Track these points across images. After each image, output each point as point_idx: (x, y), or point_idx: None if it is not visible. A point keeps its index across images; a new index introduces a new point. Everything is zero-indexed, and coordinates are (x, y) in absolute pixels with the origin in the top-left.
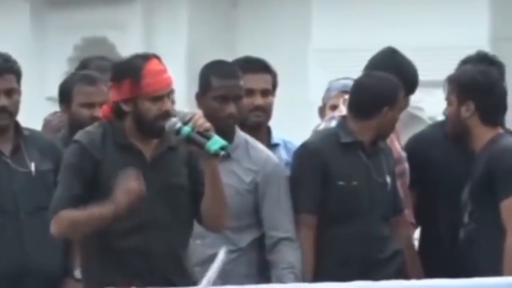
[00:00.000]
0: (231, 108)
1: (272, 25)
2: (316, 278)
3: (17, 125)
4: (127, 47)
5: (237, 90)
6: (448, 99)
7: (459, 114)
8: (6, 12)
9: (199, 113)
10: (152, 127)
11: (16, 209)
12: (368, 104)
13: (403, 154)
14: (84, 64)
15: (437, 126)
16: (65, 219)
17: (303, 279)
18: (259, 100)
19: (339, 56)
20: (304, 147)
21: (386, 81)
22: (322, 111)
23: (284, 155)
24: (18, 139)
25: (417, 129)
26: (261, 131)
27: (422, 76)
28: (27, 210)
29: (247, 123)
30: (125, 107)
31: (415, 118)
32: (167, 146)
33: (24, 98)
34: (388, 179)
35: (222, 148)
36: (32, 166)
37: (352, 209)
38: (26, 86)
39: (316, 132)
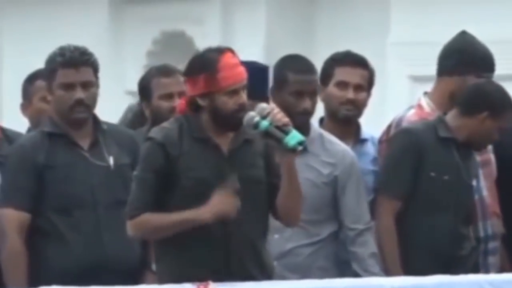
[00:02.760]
0: (307, 104)
1: (350, 19)
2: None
3: (95, 118)
4: (205, 41)
5: (313, 85)
6: None
7: None
8: (85, 6)
9: (276, 107)
10: (229, 121)
11: (95, 203)
12: (472, 100)
13: (489, 146)
14: None
15: None
16: (146, 225)
17: (390, 265)
18: (351, 94)
19: (418, 49)
20: (405, 133)
21: (499, 90)
22: None
23: (372, 151)
24: (97, 133)
25: None
26: (351, 125)
27: (499, 69)
28: (106, 204)
29: (338, 116)
30: (202, 102)
31: None
32: (243, 139)
33: (103, 92)
34: (474, 183)
35: (300, 143)
36: (111, 160)
37: (439, 203)
38: (105, 80)
39: (412, 122)
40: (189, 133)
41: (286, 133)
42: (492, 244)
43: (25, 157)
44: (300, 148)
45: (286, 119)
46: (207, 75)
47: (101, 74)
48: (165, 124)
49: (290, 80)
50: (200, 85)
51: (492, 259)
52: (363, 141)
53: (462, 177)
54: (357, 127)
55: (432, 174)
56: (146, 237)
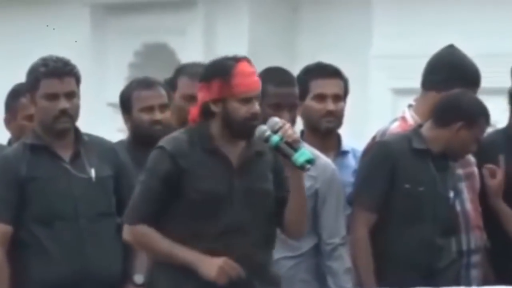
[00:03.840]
0: (285, 116)
1: (332, 30)
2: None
3: (76, 130)
4: (187, 52)
5: (292, 98)
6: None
7: None
8: (67, 18)
9: (288, 123)
10: (241, 128)
11: (76, 215)
12: (446, 112)
13: (472, 159)
14: (178, 71)
15: (499, 132)
16: (142, 238)
17: (364, 279)
18: (330, 106)
19: (400, 62)
20: (379, 145)
21: (473, 101)
22: None
23: (353, 163)
24: (78, 145)
25: None
26: (332, 138)
27: (482, 83)
28: (87, 216)
29: (320, 129)
30: (214, 108)
31: None
32: (254, 151)
33: (84, 104)
34: (451, 194)
35: (308, 161)
36: (92, 172)
37: (414, 214)
38: (87, 91)
39: (391, 134)
40: (200, 145)
41: (296, 150)
42: (475, 257)
43: (8, 168)
44: (308, 166)
45: (296, 136)
46: (221, 79)
47: (83, 85)
48: (175, 134)
49: (270, 92)
50: (214, 90)
51: (475, 272)
52: (344, 153)
53: (438, 189)
54: (338, 140)
55: (407, 185)
56: (138, 249)
